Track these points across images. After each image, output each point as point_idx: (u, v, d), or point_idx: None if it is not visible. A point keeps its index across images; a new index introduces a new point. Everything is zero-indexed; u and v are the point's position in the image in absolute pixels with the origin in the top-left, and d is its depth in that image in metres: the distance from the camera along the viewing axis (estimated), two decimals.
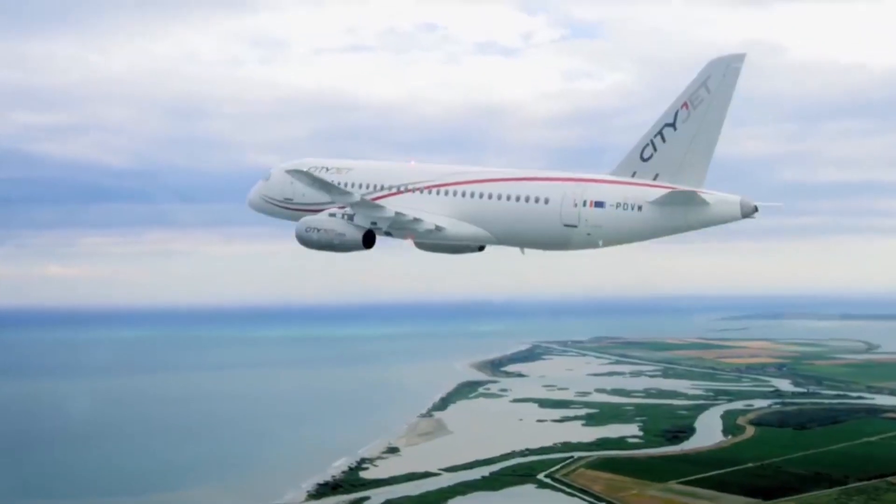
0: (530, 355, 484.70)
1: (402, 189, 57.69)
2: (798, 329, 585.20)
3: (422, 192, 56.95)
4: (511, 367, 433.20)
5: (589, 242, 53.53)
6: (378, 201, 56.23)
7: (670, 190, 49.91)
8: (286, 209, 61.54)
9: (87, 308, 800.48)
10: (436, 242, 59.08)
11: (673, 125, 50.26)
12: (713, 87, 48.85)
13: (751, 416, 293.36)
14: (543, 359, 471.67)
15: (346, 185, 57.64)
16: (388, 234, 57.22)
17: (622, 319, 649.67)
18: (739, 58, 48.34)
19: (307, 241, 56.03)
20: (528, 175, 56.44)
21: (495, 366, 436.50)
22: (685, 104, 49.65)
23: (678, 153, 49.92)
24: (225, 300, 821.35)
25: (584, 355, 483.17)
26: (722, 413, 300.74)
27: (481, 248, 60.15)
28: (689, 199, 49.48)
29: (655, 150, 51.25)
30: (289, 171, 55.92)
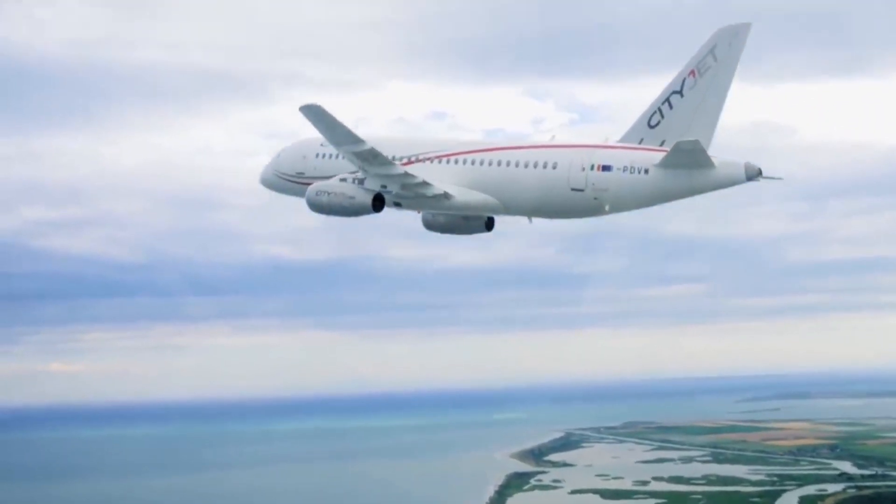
0: (567, 443, 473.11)
1: (412, 159, 57.09)
2: (832, 408, 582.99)
3: (432, 161, 56.72)
4: (554, 457, 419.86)
5: (595, 208, 53.26)
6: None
7: (676, 142, 49.19)
8: (298, 183, 61.07)
9: (91, 405, 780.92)
10: (444, 214, 58.83)
11: (680, 92, 50.96)
12: (720, 55, 49.47)
13: (829, 501, 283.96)
14: (583, 446, 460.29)
15: (351, 176, 56.93)
16: (397, 204, 56.83)
17: (645, 403, 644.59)
18: (746, 26, 49.02)
19: (317, 205, 55.99)
20: (537, 144, 57.09)
21: (536, 455, 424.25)
22: (692, 72, 50.41)
23: (685, 119, 50.39)
24: (236, 393, 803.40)
25: (623, 441, 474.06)
26: (798, 499, 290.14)
27: (489, 227, 60.29)
28: (693, 153, 48.66)
29: (662, 117, 51.97)
30: (302, 108, 52.33)
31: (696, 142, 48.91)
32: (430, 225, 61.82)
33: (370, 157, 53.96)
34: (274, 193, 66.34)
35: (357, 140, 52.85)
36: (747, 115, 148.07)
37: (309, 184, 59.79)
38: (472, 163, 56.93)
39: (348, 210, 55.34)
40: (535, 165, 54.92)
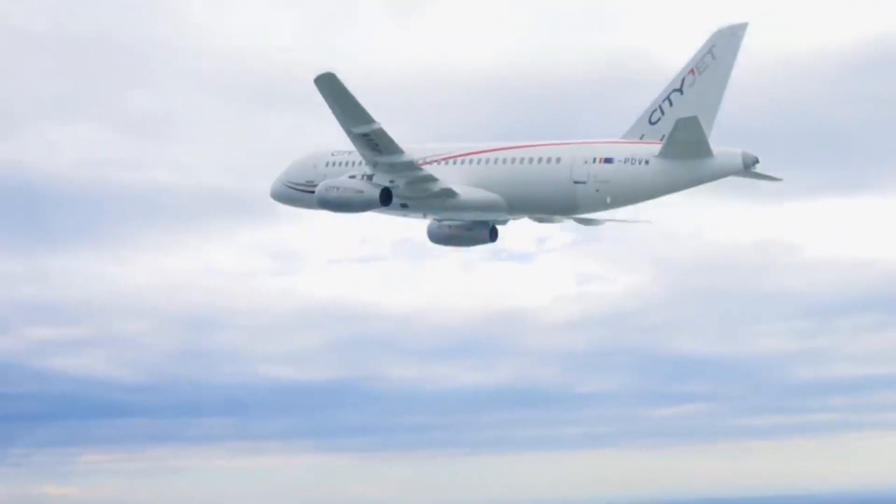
0: None
1: (419, 162, 57.64)
2: None
3: (438, 163, 57.85)
4: None
5: (597, 200, 54.28)
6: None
7: (676, 119, 50.60)
8: (308, 192, 60.87)
9: None
10: (448, 223, 60.76)
11: (680, 90, 52.91)
12: (718, 54, 51.61)
13: None
14: None
15: (362, 164, 57.74)
16: (403, 206, 57.73)
17: None
18: (742, 26, 51.36)
19: (327, 200, 56.66)
20: (541, 143, 57.48)
21: None
22: (692, 70, 52.43)
23: (684, 114, 51.46)
24: None
25: None
26: None
27: (493, 238, 61.88)
28: (691, 128, 49.64)
29: (663, 113, 53.44)
30: (316, 80, 51.45)
31: (695, 118, 50.04)
32: (435, 236, 62.93)
33: (379, 140, 54.00)
34: (283, 206, 66.91)
35: (368, 119, 52.79)
36: (753, 234, 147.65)
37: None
38: (478, 162, 58.13)
39: (357, 204, 56.08)
40: (539, 161, 56.15)
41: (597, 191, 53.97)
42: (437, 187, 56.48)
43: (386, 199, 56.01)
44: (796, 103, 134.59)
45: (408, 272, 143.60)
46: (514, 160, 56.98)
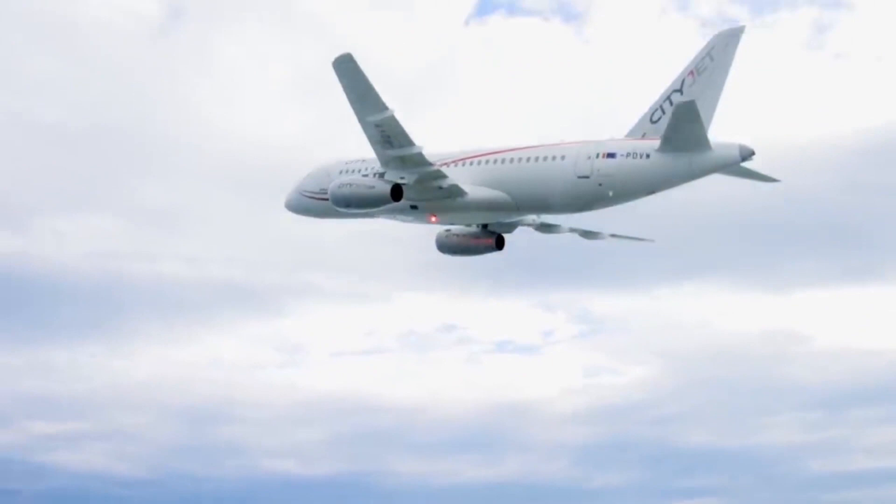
0: None
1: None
2: None
3: (447, 166, 59.39)
4: None
5: (601, 195, 55.80)
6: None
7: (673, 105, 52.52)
8: (322, 199, 62.84)
9: None
10: (456, 234, 62.65)
11: (680, 90, 55.09)
12: (716, 56, 54.27)
13: None
14: None
15: (374, 171, 59.69)
16: (414, 207, 59.63)
17: None
18: (740, 29, 54.66)
19: (340, 198, 58.09)
20: (547, 143, 59.21)
21: None
22: (691, 72, 54.91)
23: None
24: None
25: None
26: None
27: (500, 246, 63.37)
28: (689, 111, 51.19)
29: (664, 112, 55.41)
30: (334, 63, 52.46)
31: (692, 101, 51.83)
32: (444, 246, 64.76)
33: (391, 131, 55.30)
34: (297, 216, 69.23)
35: (381, 106, 54.01)
36: (762, 324, 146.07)
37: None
38: (485, 163, 60.00)
39: (368, 199, 57.28)
40: (545, 159, 58.03)
41: (599, 185, 55.77)
42: (445, 184, 58.07)
43: (397, 194, 57.10)
44: (804, 192, 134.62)
45: (413, 364, 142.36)
46: (520, 159, 58.89)
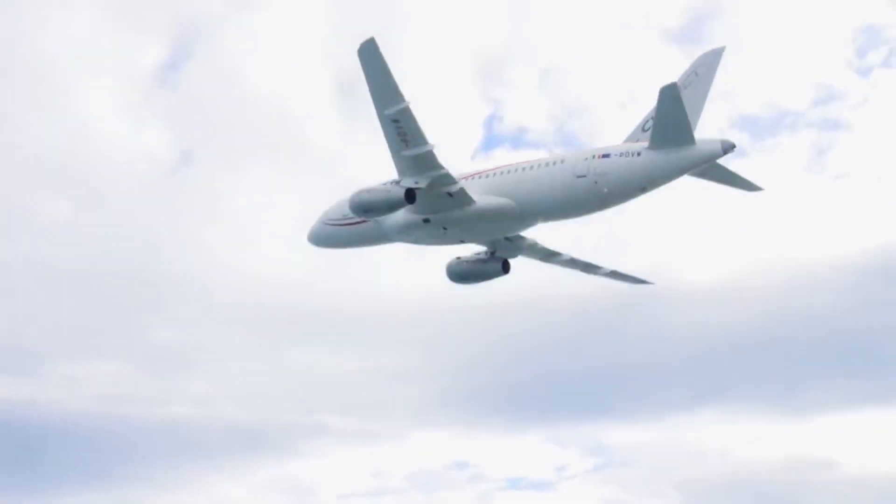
0: None
1: None
2: None
3: (458, 181, 62.28)
4: None
5: (597, 192, 59.36)
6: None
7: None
8: (346, 225, 67.66)
9: None
10: (467, 231, 64.13)
11: None
12: (701, 73, 60.02)
13: None
14: None
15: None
16: (426, 221, 63.21)
17: None
18: (721, 50, 60.49)
19: (358, 203, 61.11)
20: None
21: None
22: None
23: None
24: None
25: None
26: None
27: (506, 270, 67.09)
28: (672, 94, 54.84)
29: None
30: (359, 50, 55.82)
31: (674, 84, 55.49)
32: (454, 274, 68.03)
33: (406, 125, 58.04)
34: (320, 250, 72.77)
35: (399, 98, 56.82)
36: (783, 451, 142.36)
37: (356, 222, 66.89)
38: (494, 175, 64.12)
39: (385, 202, 60.32)
40: (546, 165, 62.21)
41: (595, 182, 59.40)
42: (454, 189, 61.38)
43: (411, 197, 60.09)
44: (818, 314, 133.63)
45: None
46: (524, 168, 63.10)
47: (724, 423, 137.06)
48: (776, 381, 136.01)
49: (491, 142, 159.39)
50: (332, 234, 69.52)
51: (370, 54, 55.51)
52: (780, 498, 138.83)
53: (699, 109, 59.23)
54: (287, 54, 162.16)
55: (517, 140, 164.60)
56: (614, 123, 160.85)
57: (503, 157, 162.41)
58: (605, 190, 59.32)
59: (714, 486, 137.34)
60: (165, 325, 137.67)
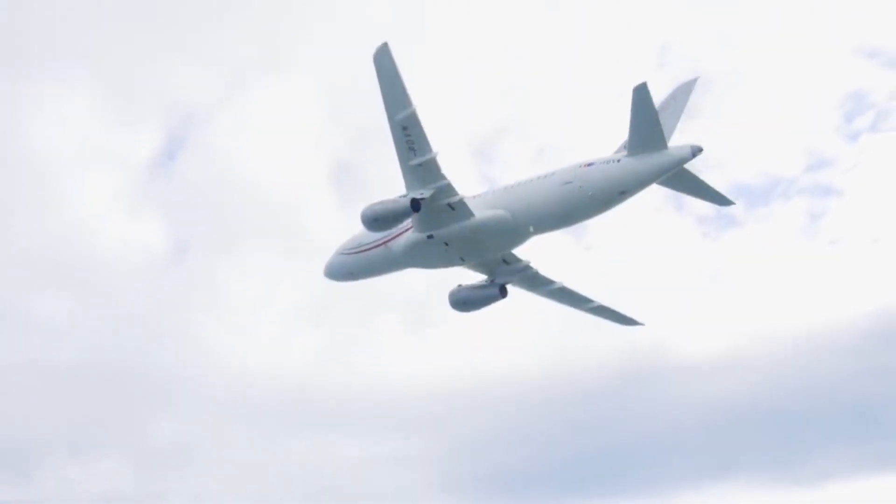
0: None
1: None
2: None
3: (459, 194, 66.60)
4: None
5: (582, 196, 64.48)
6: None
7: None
8: (359, 253, 72.03)
9: None
10: (468, 247, 67.94)
11: None
12: (677, 97, 66.71)
13: None
14: None
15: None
16: (430, 237, 67.45)
17: None
18: (694, 81, 67.22)
19: (369, 215, 64.96)
20: None
21: None
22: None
23: None
24: None
25: None
26: None
27: (503, 294, 70.84)
28: (642, 93, 60.45)
29: None
30: (375, 56, 61.06)
31: (644, 83, 60.49)
32: (456, 302, 71.75)
33: (413, 130, 62.55)
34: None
35: (408, 102, 61.59)
36: None
37: (370, 248, 71.64)
38: (493, 193, 69.14)
39: (392, 212, 64.51)
40: (538, 178, 67.19)
41: (580, 187, 64.51)
42: (454, 200, 65.82)
43: (416, 206, 64.43)
44: (820, 380, 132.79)
45: None
46: (518, 184, 68.04)
47: (731, 498, 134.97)
48: (783, 452, 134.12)
49: None
50: (347, 265, 73.64)
51: (383, 58, 60.56)
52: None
53: (673, 128, 65.03)
54: (281, 141, 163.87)
55: None
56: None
57: None
58: (590, 193, 64.67)
59: None
60: (166, 421, 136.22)
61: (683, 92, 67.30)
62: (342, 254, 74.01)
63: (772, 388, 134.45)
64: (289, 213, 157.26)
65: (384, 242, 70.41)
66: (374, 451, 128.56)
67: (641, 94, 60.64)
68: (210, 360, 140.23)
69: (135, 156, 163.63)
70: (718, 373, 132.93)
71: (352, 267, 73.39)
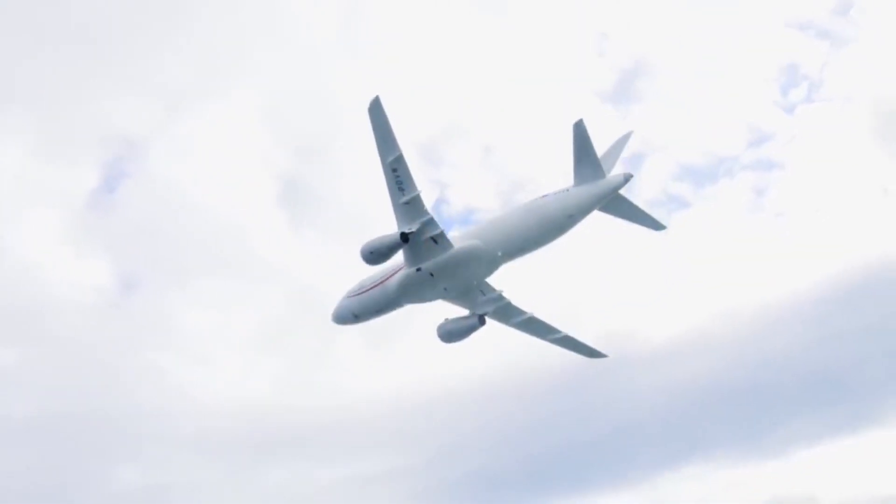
0: None
1: None
2: None
3: (440, 227, 75.09)
4: None
5: (538, 222, 73.55)
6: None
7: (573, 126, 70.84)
8: (365, 292, 78.77)
9: None
10: (449, 278, 76.09)
11: None
12: (616, 146, 75.43)
13: None
14: None
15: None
16: (419, 270, 75.12)
17: None
18: (629, 134, 76.88)
19: (366, 248, 72.75)
20: None
21: None
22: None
23: None
24: None
25: None
26: None
27: (482, 322, 78.42)
28: (580, 129, 70.23)
29: None
30: (369, 109, 69.40)
31: (581, 120, 70.04)
32: (444, 334, 79.68)
33: (401, 171, 70.91)
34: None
35: (396, 147, 69.72)
36: (764, 494, 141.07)
37: (371, 287, 78.55)
38: (468, 229, 78.41)
39: (386, 245, 72.50)
40: (505, 212, 77.18)
41: (538, 215, 73.79)
42: (436, 231, 73.69)
43: (405, 238, 72.79)
44: (780, 352, 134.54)
45: None
46: (489, 220, 77.74)
47: (708, 476, 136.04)
48: (750, 425, 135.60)
49: (443, 226, 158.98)
50: (351, 307, 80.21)
51: (376, 110, 69.19)
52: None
53: (611, 167, 74.36)
54: (225, 165, 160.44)
55: (467, 220, 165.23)
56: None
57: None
58: (546, 220, 74.11)
59: None
60: (131, 465, 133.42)
61: (621, 142, 77.29)
62: (347, 297, 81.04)
63: (735, 365, 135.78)
64: (239, 237, 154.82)
65: (382, 282, 78.11)
66: (349, 471, 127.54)
67: (579, 129, 70.45)
68: (172, 397, 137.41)
69: (73, 192, 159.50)
70: (681, 357, 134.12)
71: (356, 309, 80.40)
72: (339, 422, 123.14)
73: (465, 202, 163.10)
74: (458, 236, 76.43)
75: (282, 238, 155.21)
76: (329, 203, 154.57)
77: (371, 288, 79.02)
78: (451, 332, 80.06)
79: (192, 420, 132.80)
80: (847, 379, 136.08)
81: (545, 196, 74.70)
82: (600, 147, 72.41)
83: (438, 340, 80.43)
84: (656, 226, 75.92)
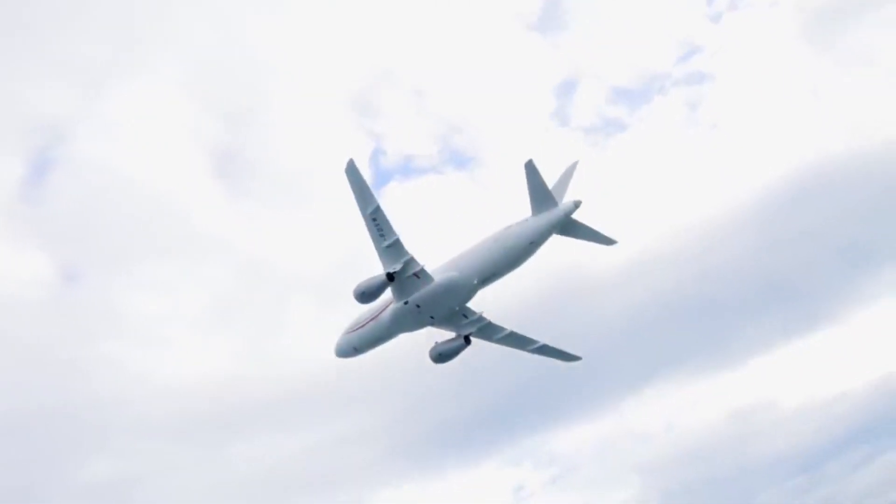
0: None
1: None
2: None
3: (421, 264, 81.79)
4: None
5: (505, 250, 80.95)
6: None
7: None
8: (362, 327, 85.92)
9: None
10: (432, 308, 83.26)
11: None
12: (565, 174, 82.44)
13: None
14: None
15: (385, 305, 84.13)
16: (405, 303, 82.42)
17: None
18: (575, 163, 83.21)
19: (357, 291, 79.86)
20: None
21: None
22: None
23: None
24: None
25: None
26: None
27: (468, 342, 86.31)
28: (531, 167, 77.14)
29: None
30: (346, 171, 77.16)
31: (531, 159, 77.29)
32: (434, 355, 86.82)
33: (380, 220, 78.28)
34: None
35: (373, 200, 77.80)
36: (725, 404, 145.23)
37: (368, 321, 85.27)
38: (444, 263, 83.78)
39: (374, 285, 79.81)
40: (476, 245, 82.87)
41: (504, 244, 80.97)
42: (417, 268, 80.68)
43: (391, 277, 79.89)
44: (728, 263, 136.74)
45: None
46: (462, 253, 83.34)
47: (668, 396, 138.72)
48: (706, 339, 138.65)
49: (382, 178, 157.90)
50: (352, 342, 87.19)
51: (352, 171, 76.81)
52: (731, 452, 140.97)
53: (562, 195, 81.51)
54: (154, 141, 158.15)
55: (406, 169, 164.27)
56: (496, 132, 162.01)
57: (396, 191, 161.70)
58: (510, 246, 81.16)
59: (670, 463, 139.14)
60: (100, 456, 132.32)
61: (569, 171, 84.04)
62: (346, 333, 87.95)
63: (687, 282, 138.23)
64: (177, 214, 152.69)
65: (375, 317, 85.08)
66: (318, 436, 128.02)
67: (530, 168, 77.41)
68: (131, 383, 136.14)
69: (0, 185, 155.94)
70: (633, 278, 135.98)
71: (355, 343, 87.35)
72: (301, 389, 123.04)
73: (402, 151, 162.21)
74: (436, 270, 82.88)
75: (221, 210, 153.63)
76: (265, 169, 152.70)
77: (367, 323, 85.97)
78: (442, 354, 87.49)
79: (154, 404, 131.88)
80: (795, 282, 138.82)
81: (508, 227, 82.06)
82: (550, 178, 78.84)
83: (431, 363, 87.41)
84: (608, 241, 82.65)
